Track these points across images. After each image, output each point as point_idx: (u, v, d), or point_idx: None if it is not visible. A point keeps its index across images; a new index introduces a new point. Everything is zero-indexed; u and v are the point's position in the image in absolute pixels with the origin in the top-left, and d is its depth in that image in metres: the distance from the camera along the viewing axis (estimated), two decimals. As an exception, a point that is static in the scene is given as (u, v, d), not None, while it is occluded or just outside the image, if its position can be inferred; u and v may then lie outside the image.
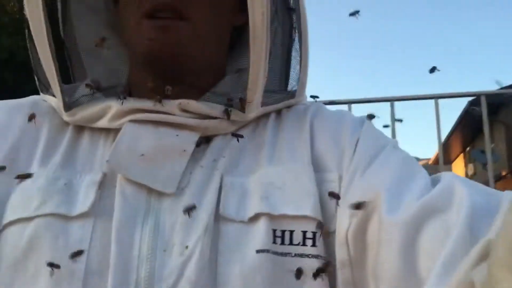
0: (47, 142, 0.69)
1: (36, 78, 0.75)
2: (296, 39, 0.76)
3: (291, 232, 0.60)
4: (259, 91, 0.69)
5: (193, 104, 0.67)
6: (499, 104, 12.96)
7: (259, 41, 0.66)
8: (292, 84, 0.77)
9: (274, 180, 0.63)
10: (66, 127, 0.71)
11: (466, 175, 19.33)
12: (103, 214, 0.61)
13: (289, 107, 0.75)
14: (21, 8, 0.71)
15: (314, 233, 0.60)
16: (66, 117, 0.70)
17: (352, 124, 0.70)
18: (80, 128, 0.70)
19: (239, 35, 0.77)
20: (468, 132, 16.23)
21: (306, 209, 0.61)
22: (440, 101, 2.35)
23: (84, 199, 0.62)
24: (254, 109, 0.70)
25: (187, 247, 0.59)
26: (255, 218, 0.60)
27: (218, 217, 0.61)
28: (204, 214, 0.61)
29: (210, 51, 0.71)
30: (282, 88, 0.77)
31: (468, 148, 18.80)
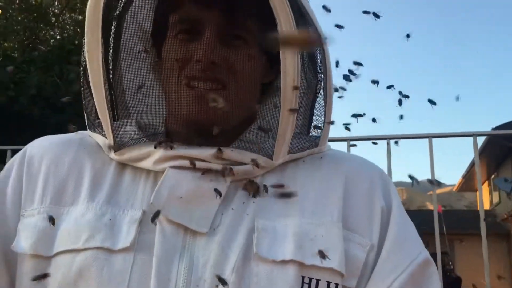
0: (93, 177, 0.77)
1: (86, 117, 0.83)
2: (321, 95, 0.83)
3: (318, 280, 0.70)
4: (287, 143, 0.78)
5: (227, 153, 0.75)
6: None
7: (288, 104, 0.74)
8: (314, 137, 0.84)
9: (307, 232, 0.72)
10: (110, 162, 0.79)
11: (491, 203, 19.07)
12: (142, 249, 0.70)
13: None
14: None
15: (336, 285, 0.70)
16: (114, 155, 0.78)
17: (382, 193, 0.79)
18: (122, 165, 0.79)
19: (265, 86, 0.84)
20: (492, 160, 16.09)
21: (333, 262, 0.70)
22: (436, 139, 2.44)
23: (126, 235, 0.70)
24: (281, 156, 0.78)
25: (217, 286, 0.67)
26: (287, 262, 0.69)
27: (249, 257, 0.69)
28: (233, 255, 0.69)
29: (243, 110, 0.79)
30: (306, 135, 0.84)
31: (492, 176, 18.57)
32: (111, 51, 0.80)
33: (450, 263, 7.65)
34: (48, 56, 5.52)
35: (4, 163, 1.01)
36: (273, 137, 0.76)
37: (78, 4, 9.98)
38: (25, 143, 0.86)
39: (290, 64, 0.72)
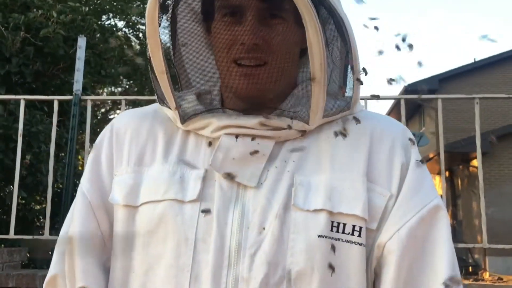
0: (165, 143, 0.92)
1: (156, 95, 0.96)
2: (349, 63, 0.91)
3: (344, 224, 0.83)
4: (320, 111, 0.88)
5: (270, 121, 0.88)
6: (433, 90, 13.98)
7: (318, 83, 0.85)
8: (347, 99, 0.93)
9: (336, 186, 0.84)
10: (177, 130, 0.94)
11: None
12: (206, 200, 0.85)
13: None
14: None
15: (360, 228, 0.83)
16: (181, 126, 0.92)
17: (403, 150, 0.89)
18: (187, 133, 0.93)
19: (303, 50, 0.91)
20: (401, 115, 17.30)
21: (357, 210, 0.83)
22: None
23: (193, 189, 0.86)
24: (317, 121, 0.89)
25: (264, 228, 0.82)
26: (318, 211, 0.82)
27: (289, 206, 0.83)
28: (276, 204, 0.83)
29: (285, 80, 0.91)
30: (339, 99, 0.93)
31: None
32: (170, 36, 0.93)
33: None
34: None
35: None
36: (309, 104, 0.88)
37: None
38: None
39: (315, 46, 0.83)
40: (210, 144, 0.90)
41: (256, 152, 0.86)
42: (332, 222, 0.83)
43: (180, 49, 0.97)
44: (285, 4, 0.86)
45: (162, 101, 0.95)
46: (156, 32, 0.87)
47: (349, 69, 0.92)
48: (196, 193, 0.85)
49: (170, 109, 0.93)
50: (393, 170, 0.88)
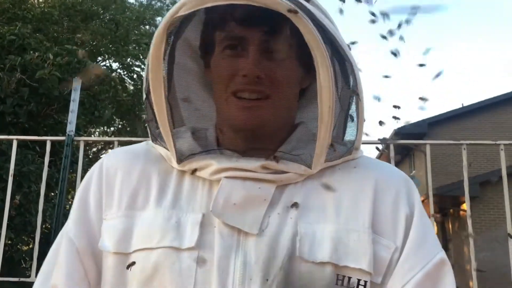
0: (159, 185, 0.87)
1: (149, 132, 0.92)
2: (354, 107, 0.90)
3: (349, 278, 0.80)
4: (324, 154, 0.86)
5: (272, 164, 0.85)
6: (422, 134, 14.15)
7: (324, 126, 0.84)
8: (349, 144, 0.91)
9: (342, 237, 0.82)
10: (171, 170, 0.89)
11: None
12: (204, 247, 0.80)
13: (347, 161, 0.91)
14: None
15: (365, 282, 0.81)
16: (177, 166, 0.89)
17: (407, 201, 0.88)
18: (182, 173, 0.89)
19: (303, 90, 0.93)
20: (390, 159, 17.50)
21: (363, 264, 0.81)
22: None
23: (191, 236, 0.81)
24: (319, 165, 0.87)
25: (267, 280, 0.78)
26: (324, 263, 0.80)
27: (293, 257, 0.80)
28: (280, 254, 0.80)
29: (285, 117, 0.90)
30: (341, 144, 0.91)
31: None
32: (167, 70, 0.88)
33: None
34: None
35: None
36: (312, 148, 0.87)
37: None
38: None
39: (325, 89, 0.82)
40: (207, 185, 0.87)
41: (257, 197, 0.84)
42: (338, 275, 0.81)
43: (175, 85, 0.93)
44: (289, 39, 0.85)
45: (156, 139, 0.91)
46: (160, 65, 0.84)
47: (353, 113, 0.91)
48: (194, 240, 0.81)
49: (165, 147, 0.89)
50: (398, 222, 0.86)
